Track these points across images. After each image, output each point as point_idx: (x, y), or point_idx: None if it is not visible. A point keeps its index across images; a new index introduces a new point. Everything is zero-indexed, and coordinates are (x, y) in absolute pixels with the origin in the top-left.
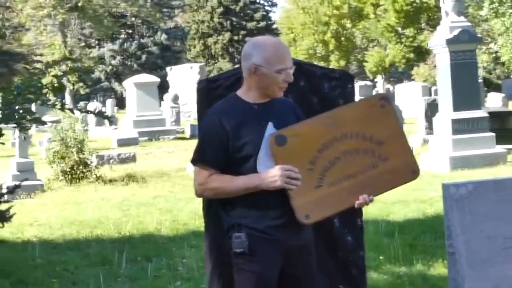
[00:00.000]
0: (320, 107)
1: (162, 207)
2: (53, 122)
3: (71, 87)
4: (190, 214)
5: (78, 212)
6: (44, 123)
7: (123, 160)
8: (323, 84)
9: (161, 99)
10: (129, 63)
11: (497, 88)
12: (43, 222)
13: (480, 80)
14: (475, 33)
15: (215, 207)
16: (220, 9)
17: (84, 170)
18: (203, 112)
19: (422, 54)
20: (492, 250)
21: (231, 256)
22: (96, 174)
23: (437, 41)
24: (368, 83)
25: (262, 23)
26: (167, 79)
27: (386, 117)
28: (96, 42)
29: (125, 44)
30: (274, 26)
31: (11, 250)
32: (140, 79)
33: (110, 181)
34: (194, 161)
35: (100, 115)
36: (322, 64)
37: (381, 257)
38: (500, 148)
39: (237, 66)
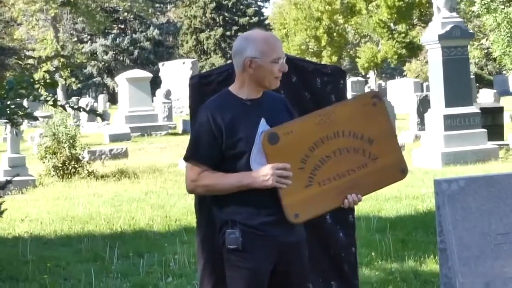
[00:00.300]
0: (312, 102)
1: (154, 203)
2: (45, 117)
3: (63, 82)
4: (182, 210)
5: (70, 208)
6: (36, 118)
7: (115, 156)
8: (315, 80)
9: (153, 94)
10: (121, 58)
11: (488, 84)
12: (34, 217)
13: (472, 76)
14: (467, 29)
15: (208, 203)
16: (213, 5)
17: (76, 165)
18: (196, 108)
19: (414, 50)
20: (484, 246)
21: (223, 252)
22: (88, 170)
23: (429, 37)
24: (360, 79)
25: (255, 19)
26: (160, 74)
27: (378, 115)
28: (88, 37)
29: (118, 39)
30: (267, 21)
31: (2, 246)
32: (133, 74)
33: (102, 176)
34: (186, 158)
35: (92, 113)
36: (314, 59)
37: (373, 253)
38: (492, 144)
39: (229, 61)
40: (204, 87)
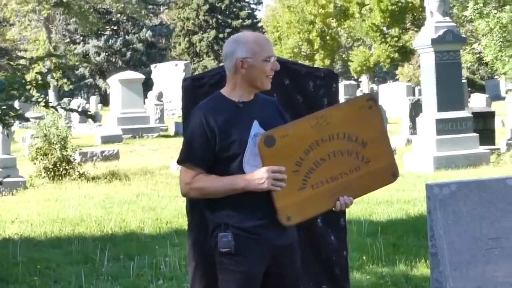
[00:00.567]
0: (305, 106)
1: (145, 205)
2: (36, 118)
3: (55, 84)
4: (173, 213)
5: (60, 210)
6: (27, 119)
7: (107, 158)
8: (308, 83)
9: (145, 96)
10: (113, 59)
11: (480, 88)
12: (25, 219)
13: (464, 81)
14: (460, 34)
15: (199, 206)
16: (206, 7)
17: (67, 167)
18: (188, 110)
19: (406, 54)
20: (475, 250)
21: (214, 255)
22: (79, 171)
23: (422, 41)
24: (353, 82)
25: (248, 21)
26: (152, 76)
27: (372, 118)
28: (81, 38)
29: (110, 40)
30: (260, 24)
31: None
32: (125, 76)
33: (93, 178)
34: (180, 161)
35: (84, 114)
36: (307, 63)
37: (364, 257)
38: (483, 149)
39: (222, 64)
40: (196, 90)
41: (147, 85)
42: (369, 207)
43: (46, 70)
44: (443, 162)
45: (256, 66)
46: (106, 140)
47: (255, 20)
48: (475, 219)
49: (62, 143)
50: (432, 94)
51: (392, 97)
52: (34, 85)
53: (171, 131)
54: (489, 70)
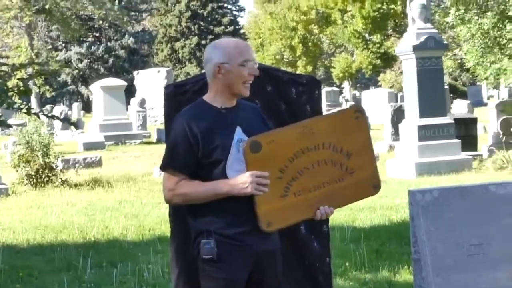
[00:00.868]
0: (287, 112)
1: (128, 212)
2: (18, 125)
3: (37, 90)
4: (156, 219)
5: (43, 217)
6: (9, 126)
7: (89, 164)
8: (290, 90)
9: (128, 103)
10: (96, 66)
11: (462, 94)
12: (7, 226)
13: (446, 87)
14: (442, 40)
15: (182, 212)
16: (188, 13)
17: (49, 174)
18: (171, 117)
19: (388, 60)
20: (458, 256)
21: (197, 262)
22: (61, 178)
23: (404, 47)
24: (335, 89)
25: (230, 28)
26: (134, 83)
27: (359, 129)
28: (63, 45)
29: (92, 47)
30: (242, 31)
31: None
32: (107, 82)
33: (76, 185)
34: (163, 167)
35: (66, 121)
36: (289, 69)
37: (347, 264)
38: (465, 155)
39: (204, 71)
40: (179, 96)
41: (130, 91)
42: (352, 213)
43: (28, 77)
44: (426, 168)
45: (232, 71)
46: (89, 147)
47: (237, 27)
48: (457, 225)
49: (45, 150)
50: (414, 100)
51: (375, 104)
52: (16, 91)
53: (154, 137)
54: (471, 76)
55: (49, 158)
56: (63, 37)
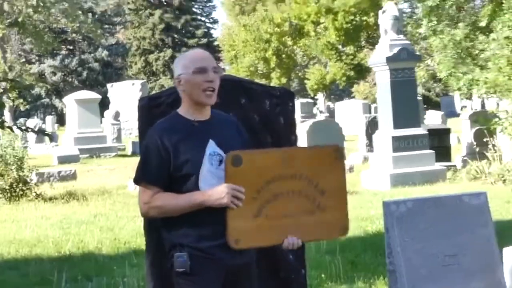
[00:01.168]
0: (261, 124)
1: (103, 225)
2: None
3: (11, 104)
4: (132, 233)
5: (17, 231)
6: None
7: (64, 178)
8: (264, 102)
9: (102, 116)
10: (70, 79)
11: (436, 105)
12: None
13: (419, 98)
14: (414, 51)
15: (157, 225)
16: (162, 26)
17: (23, 188)
18: (145, 130)
19: (362, 71)
20: (432, 267)
21: (172, 276)
22: (36, 192)
23: (377, 59)
24: (309, 100)
25: (204, 40)
26: (108, 95)
27: (335, 169)
28: (37, 58)
29: (66, 60)
30: (216, 43)
31: None
32: (81, 95)
33: (50, 199)
34: (136, 180)
35: (41, 132)
36: (263, 81)
37: (322, 275)
38: (439, 165)
39: None
40: (153, 109)
41: (104, 104)
42: None
43: (1, 91)
44: (400, 179)
45: (189, 81)
46: (63, 160)
47: (211, 39)
48: (432, 236)
49: (19, 163)
50: (388, 111)
51: (349, 115)
52: None
53: (129, 150)
54: (444, 87)
55: (23, 171)
56: (36, 50)
